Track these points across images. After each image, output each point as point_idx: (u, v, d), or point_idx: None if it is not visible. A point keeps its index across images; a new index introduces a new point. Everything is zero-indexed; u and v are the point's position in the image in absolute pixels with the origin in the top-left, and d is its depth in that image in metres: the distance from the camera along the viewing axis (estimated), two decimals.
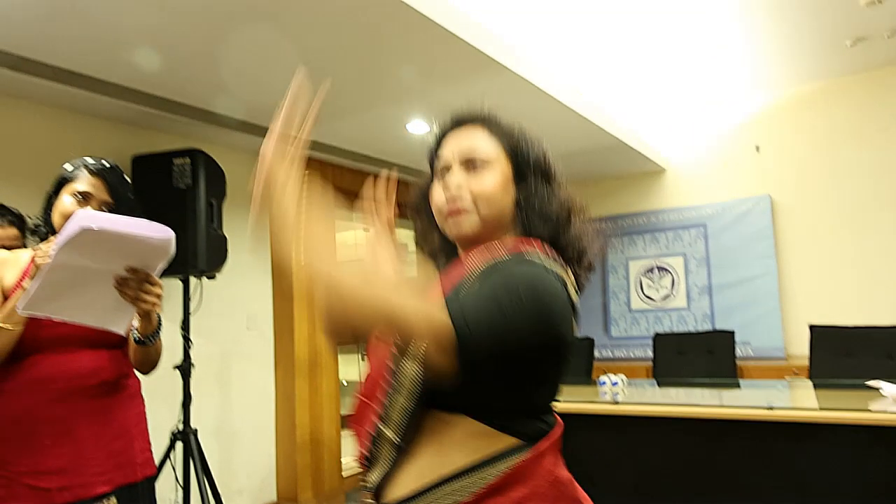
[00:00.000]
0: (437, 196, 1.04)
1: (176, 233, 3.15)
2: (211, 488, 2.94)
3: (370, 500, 0.96)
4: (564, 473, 0.97)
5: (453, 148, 1.05)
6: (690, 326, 4.97)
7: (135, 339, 1.60)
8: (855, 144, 4.43)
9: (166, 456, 2.93)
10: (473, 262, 0.97)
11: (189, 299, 3.18)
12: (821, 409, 2.53)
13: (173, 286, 3.25)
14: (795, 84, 4.59)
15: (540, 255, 0.97)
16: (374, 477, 0.95)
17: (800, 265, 4.60)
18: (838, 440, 2.38)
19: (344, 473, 4.53)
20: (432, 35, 2.58)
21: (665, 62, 4.05)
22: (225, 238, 3.23)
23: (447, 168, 1.04)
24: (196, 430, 3.02)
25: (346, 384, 5.54)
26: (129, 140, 3.39)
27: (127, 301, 1.46)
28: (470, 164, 1.03)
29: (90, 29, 2.38)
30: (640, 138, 4.73)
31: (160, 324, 1.62)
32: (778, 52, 3.97)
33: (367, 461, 0.96)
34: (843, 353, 3.40)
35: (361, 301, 0.80)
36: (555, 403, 1.02)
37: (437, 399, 0.90)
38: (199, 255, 2.98)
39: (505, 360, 0.87)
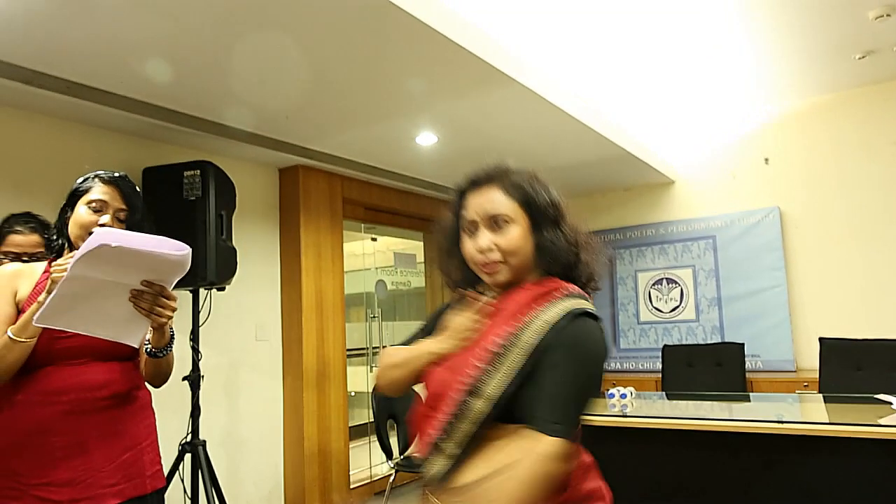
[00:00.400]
0: (469, 249, 1.25)
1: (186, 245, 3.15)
2: (219, 499, 2.95)
3: (431, 488, 1.16)
4: (587, 457, 1.21)
5: (476, 208, 1.24)
6: (700, 339, 4.95)
7: (147, 352, 1.61)
8: (864, 157, 4.41)
9: (175, 467, 2.94)
10: (526, 308, 1.17)
11: (199, 311, 3.19)
12: (831, 423, 2.51)
13: (182, 297, 3.27)
14: (804, 96, 4.59)
15: (575, 298, 1.17)
16: (432, 472, 1.15)
17: (809, 277, 4.58)
18: (849, 454, 2.36)
19: (352, 485, 4.53)
20: (440, 47, 2.60)
21: (674, 74, 4.05)
22: (234, 250, 3.25)
23: (474, 224, 1.24)
24: (205, 442, 3.03)
25: (353, 395, 5.53)
26: (140, 152, 3.43)
27: (142, 314, 1.48)
28: (493, 222, 1.22)
29: (101, 42, 2.41)
30: (649, 150, 4.73)
31: (173, 337, 1.63)
32: (787, 64, 3.97)
33: (426, 460, 1.17)
34: (853, 367, 3.38)
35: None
36: None
37: (501, 418, 1.11)
38: (209, 266, 3.00)
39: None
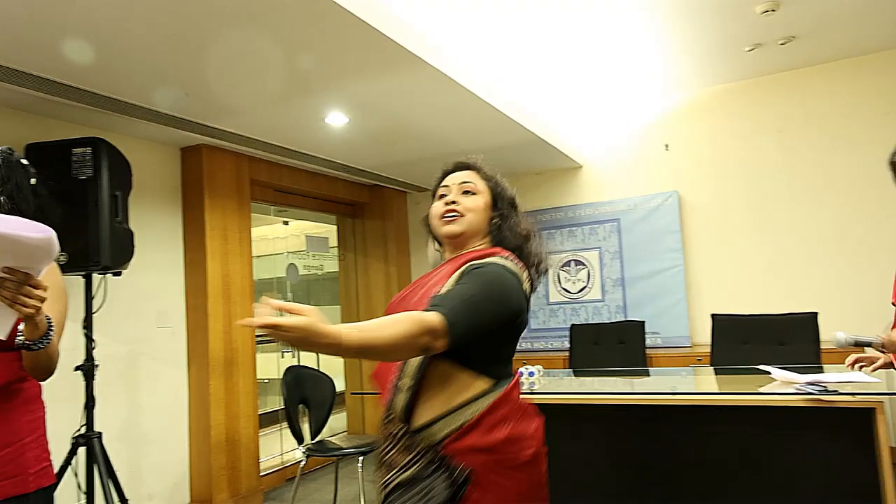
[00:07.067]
0: (436, 207, 1.55)
1: (76, 227, 2.93)
2: (118, 493, 2.81)
3: (398, 426, 1.38)
4: (526, 404, 1.44)
5: (452, 180, 1.56)
6: (605, 318, 5.16)
7: (20, 345, 1.49)
8: (753, 143, 4.73)
9: (68, 462, 2.77)
10: (455, 265, 1.44)
11: (92, 297, 3.01)
12: (720, 392, 2.70)
13: (74, 283, 3.07)
14: (700, 87, 4.85)
15: (504, 257, 1.44)
16: (398, 407, 1.38)
17: (704, 258, 4.87)
18: (734, 420, 2.55)
19: (262, 473, 4.43)
20: (349, 26, 2.55)
21: (582, 65, 4.18)
22: (131, 232, 3.07)
23: (448, 190, 1.55)
24: (100, 434, 2.87)
25: (267, 382, 5.40)
26: (22, 128, 3.17)
27: (5, 304, 1.36)
28: (463, 190, 1.54)
29: None
30: (559, 136, 4.85)
31: (51, 328, 1.51)
32: (684, 56, 4.17)
33: (390, 403, 1.40)
34: (740, 341, 3.64)
35: (387, 347, 1.16)
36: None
37: (441, 355, 1.28)
38: (103, 250, 2.82)
39: (480, 333, 1.30)
